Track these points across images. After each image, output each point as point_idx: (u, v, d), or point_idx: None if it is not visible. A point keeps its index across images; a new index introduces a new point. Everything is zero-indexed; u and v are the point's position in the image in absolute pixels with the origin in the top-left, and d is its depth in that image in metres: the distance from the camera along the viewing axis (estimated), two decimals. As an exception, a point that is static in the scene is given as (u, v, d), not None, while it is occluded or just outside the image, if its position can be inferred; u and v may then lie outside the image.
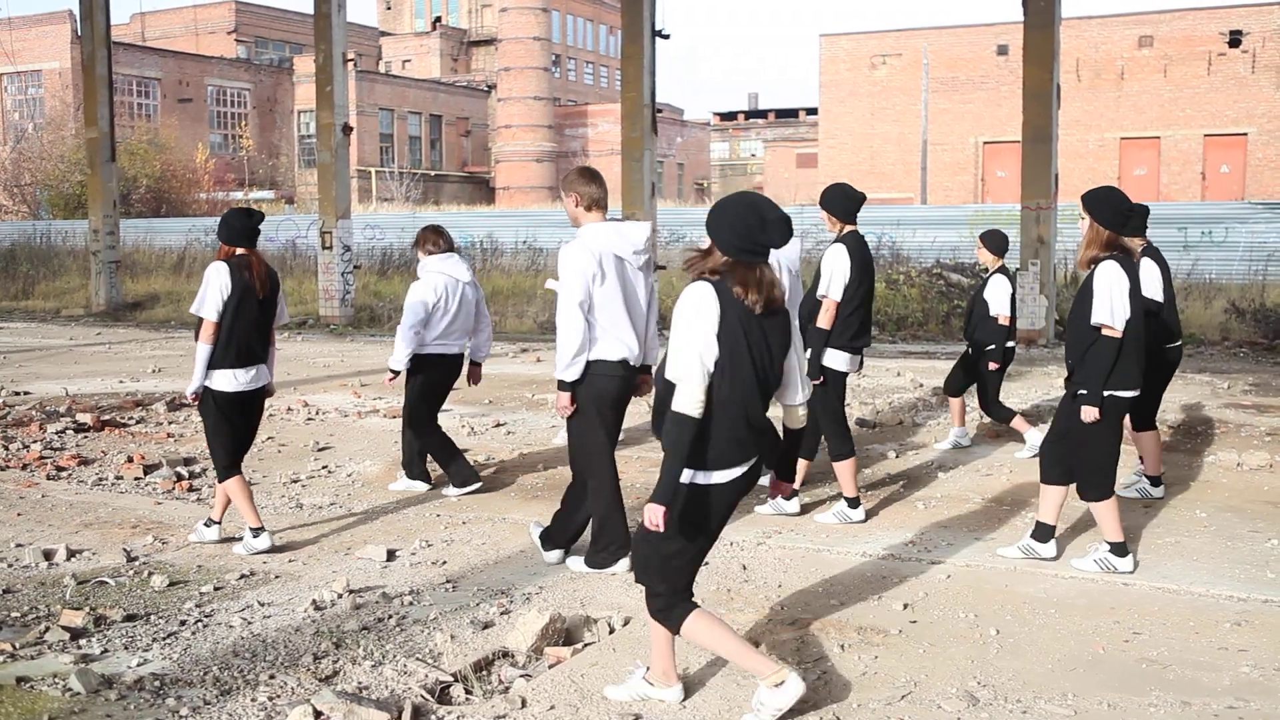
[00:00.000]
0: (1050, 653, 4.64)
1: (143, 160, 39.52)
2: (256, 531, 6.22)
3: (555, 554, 5.98)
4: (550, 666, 4.55)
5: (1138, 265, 5.80)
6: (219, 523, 6.45)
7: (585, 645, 4.78)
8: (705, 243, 3.93)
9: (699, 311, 3.80)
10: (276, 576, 5.83)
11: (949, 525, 6.59)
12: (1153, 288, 6.83)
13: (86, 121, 22.81)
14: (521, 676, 4.43)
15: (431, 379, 7.56)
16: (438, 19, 79.79)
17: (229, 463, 6.24)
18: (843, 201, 6.62)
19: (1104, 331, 5.51)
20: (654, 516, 3.79)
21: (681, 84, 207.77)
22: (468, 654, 4.67)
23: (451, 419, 10.27)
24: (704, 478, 3.88)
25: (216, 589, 5.61)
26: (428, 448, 7.65)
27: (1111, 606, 5.16)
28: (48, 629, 4.97)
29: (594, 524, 5.83)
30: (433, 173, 64.53)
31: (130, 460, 8.47)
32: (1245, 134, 41.14)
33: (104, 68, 22.00)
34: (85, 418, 9.95)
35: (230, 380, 6.13)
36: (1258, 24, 40.65)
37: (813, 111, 65.80)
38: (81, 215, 31.83)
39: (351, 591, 5.45)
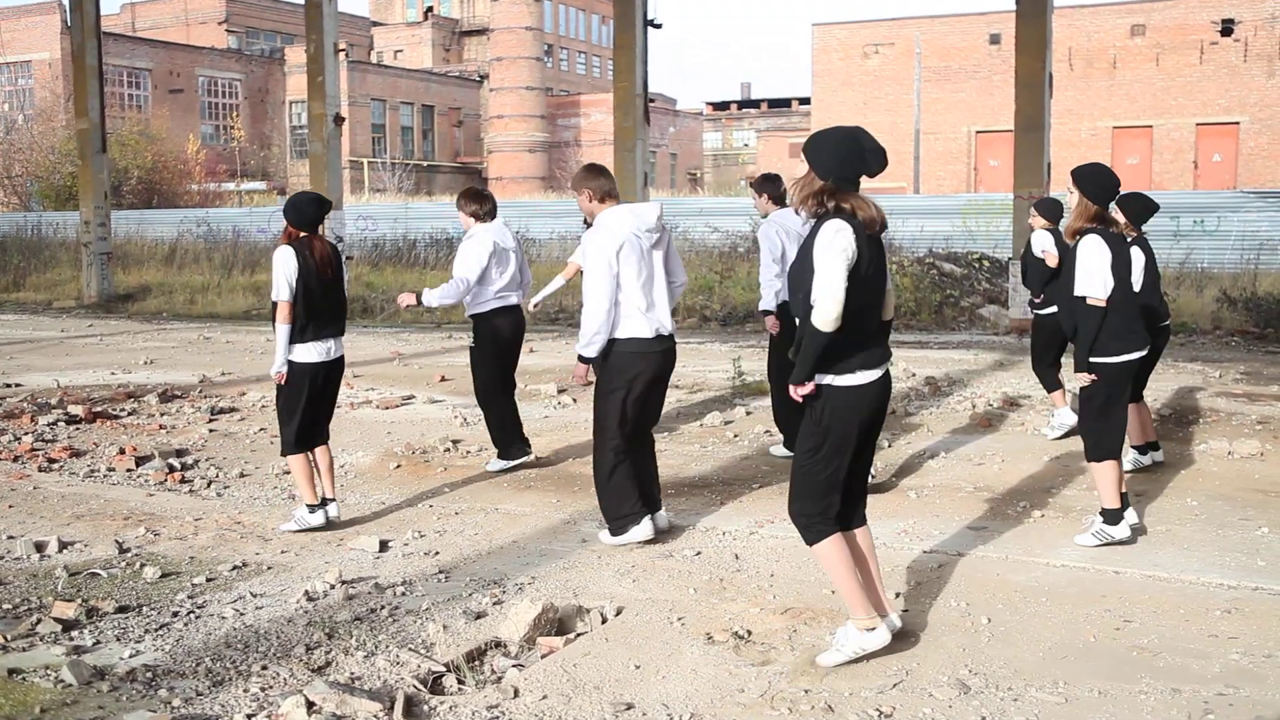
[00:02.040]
0: (1041, 641, 4.65)
1: (134, 151, 39.39)
2: (312, 508, 6.38)
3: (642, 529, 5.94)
4: (543, 656, 4.55)
5: (1123, 240, 5.87)
6: (317, 504, 6.46)
7: (578, 635, 4.78)
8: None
9: (835, 243, 4.06)
10: (269, 567, 5.83)
11: (941, 514, 6.60)
12: (1135, 275, 6.92)
13: (77, 112, 22.70)
14: (514, 666, 4.44)
15: (501, 337, 7.52)
16: (429, 9, 79.58)
17: (295, 438, 6.37)
18: None
19: (1089, 301, 5.64)
20: (797, 392, 4.18)
21: (674, 74, 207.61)
22: (460, 644, 4.67)
23: (444, 409, 10.28)
24: (849, 379, 4.17)
25: (209, 580, 5.60)
26: (493, 417, 7.58)
27: (1102, 594, 5.18)
28: (39, 621, 4.96)
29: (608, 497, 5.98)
30: (425, 163, 64.41)
31: (122, 452, 8.45)
32: (1237, 123, 41.20)
33: (94, 58, 21.89)
34: (77, 409, 9.93)
35: (309, 353, 6.31)
36: (1249, 12, 40.68)
37: (805, 101, 65.76)
38: (72, 207, 31.73)
39: (344, 582, 5.45)
